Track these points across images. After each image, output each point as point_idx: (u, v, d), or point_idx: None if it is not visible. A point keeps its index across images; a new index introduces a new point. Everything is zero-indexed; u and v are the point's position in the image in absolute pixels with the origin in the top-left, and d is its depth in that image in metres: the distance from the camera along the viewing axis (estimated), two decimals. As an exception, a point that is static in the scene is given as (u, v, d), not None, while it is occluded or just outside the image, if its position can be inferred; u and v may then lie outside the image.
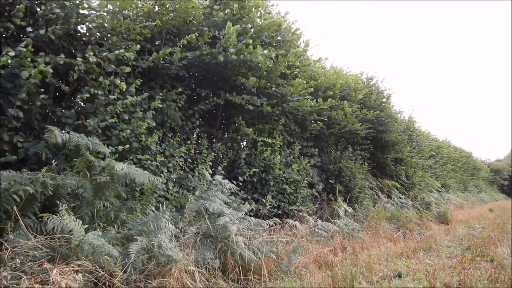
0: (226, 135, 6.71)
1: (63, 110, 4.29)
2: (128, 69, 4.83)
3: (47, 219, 3.17)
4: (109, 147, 4.30)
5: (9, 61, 3.72)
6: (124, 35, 5.06)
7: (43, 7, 4.35)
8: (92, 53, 4.46)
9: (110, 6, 4.99)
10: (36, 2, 4.42)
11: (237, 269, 4.10)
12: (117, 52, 4.68)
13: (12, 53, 3.73)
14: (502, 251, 6.21)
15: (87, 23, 4.77)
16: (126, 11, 5.17)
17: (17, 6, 4.00)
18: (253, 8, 6.66)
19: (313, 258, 5.03)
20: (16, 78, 3.81)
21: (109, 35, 4.90)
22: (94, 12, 4.77)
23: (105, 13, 4.84)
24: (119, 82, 4.69)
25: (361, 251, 5.92)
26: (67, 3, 4.41)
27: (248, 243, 4.41)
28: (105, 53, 4.63)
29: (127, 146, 4.57)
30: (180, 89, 5.60)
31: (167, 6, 5.56)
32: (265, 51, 6.03)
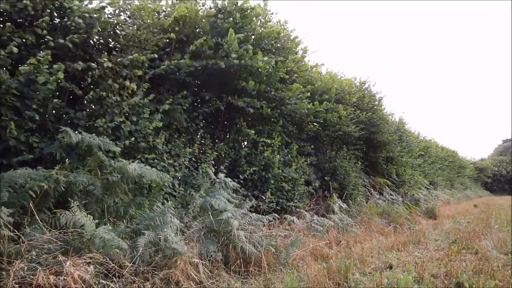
0: (228, 136, 6.70)
1: (76, 113, 4.30)
2: (140, 73, 4.83)
3: (60, 214, 3.17)
4: (117, 143, 4.30)
5: (28, 68, 3.73)
6: (143, 45, 5.07)
7: (65, 18, 4.37)
8: (106, 59, 4.47)
9: (129, 19, 5.03)
10: (57, 13, 4.44)
11: (238, 261, 4.10)
12: (131, 57, 4.70)
13: (31, 60, 3.75)
14: (486, 244, 6.19)
15: (109, 31, 4.79)
16: (148, 21, 5.17)
17: (42, 18, 4.03)
18: (254, 18, 6.65)
19: (310, 251, 5.02)
20: (32, 83, 3.82)
21: (129, 43, 4.91)
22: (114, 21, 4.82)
23: (126, 25, 4.86)
24: (129, 83, 4.69)
25: (355, 244, 5.92)
26: (87, 15, 4.44)
27: (248, 237, 4.40)
28: (119, 59, 4.65)
29: (132, 139, 4.56)
30: (185, 93, 5.60)
31: (179, 21, 5.59)
32: (265, 58, 6.03)
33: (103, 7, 4.65)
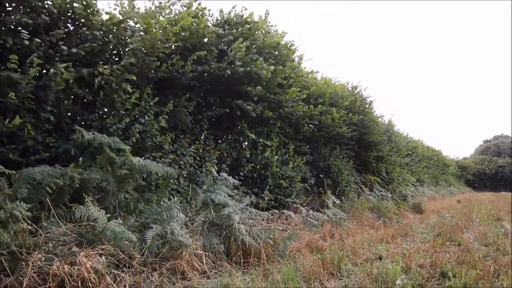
0: (229, 137, 6.71)
1: (89, 115, 4.31)
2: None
3: (75, 209, 3.18)
4: (125, 142, 4.31)
5: (35, 70, 3.76)
6: (150, 52, 5.07)
7: (80, 30, 4.42)
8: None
9: (137, 25, 5.04)
10: (72, 23, 4.47)
11: (239, 253, 4.10)
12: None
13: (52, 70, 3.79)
14: (468, 237, 6.20)
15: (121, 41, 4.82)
16: (157, 29, 5.17)
17: (57, 30, 4.10)
18: (256, 31, 6.72)
19: (306, 243, 5.02)
20: (48, 88, 3.84)
21: (137, 49, 4.91)
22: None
23: (134, 31, 4.86)
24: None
25: (347, 237, 5.92)
26: (104, 28, 4.49)
27: (249, 230, 4.40)
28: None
29: (137, 135, 4.55)
30: (190, 97, 5.60)
31: (186, 30, 5.59)
32: (270, 67, 6.08)
33: (121, 21, 4.67)
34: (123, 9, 4.98)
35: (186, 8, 5.80)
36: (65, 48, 4.12)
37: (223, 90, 6.32)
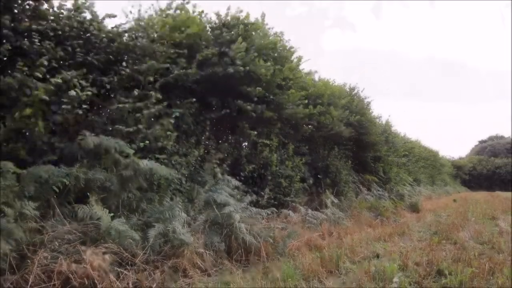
0: (230, 137, 6.71)
1: (93, 116, 4.32)
2: (151, 78, 4.87)
3: (78, 208, 3.20)
4: (132, 144, 4.33)
5: (60, 81, 3.83)
6: (157, 56, 5.12)
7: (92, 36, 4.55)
8: (125, 66, 4.56)
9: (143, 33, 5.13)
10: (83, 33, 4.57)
11: (240, 251, 4.12)
12: (146, 64, 4.79)
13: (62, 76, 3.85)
14: (463, 235, 6.21)
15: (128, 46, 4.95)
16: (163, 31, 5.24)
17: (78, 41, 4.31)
18: (253, 32, 6.73)
19: (305, 242, 5.03)
20: (63, 92, 3.90)
21: (145, 53, 4.98)
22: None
23: (140, 37, 4.94)
24: (153, 93, 4.77)
25: (345, 235, 5.92)
26: (110, 35, 4.65)
27: (249, 229, 4.41)
28: (136, 67, 4.73)
29: (147, 142, 4.59)
30: (193, 99, 5.62)
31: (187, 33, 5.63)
32: (267, 64, 6.07)
33: (125, 31, 4.90)
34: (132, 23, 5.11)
35: (180, 11, 5.84)
36: (81, 54, 4.26)
37: (224, 91, 6.32)
